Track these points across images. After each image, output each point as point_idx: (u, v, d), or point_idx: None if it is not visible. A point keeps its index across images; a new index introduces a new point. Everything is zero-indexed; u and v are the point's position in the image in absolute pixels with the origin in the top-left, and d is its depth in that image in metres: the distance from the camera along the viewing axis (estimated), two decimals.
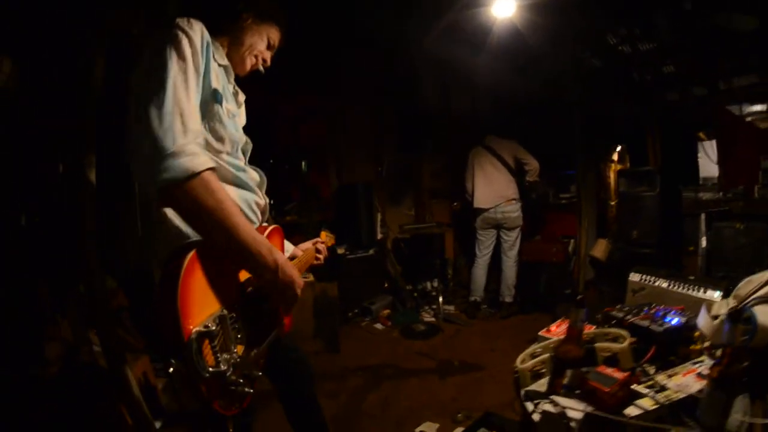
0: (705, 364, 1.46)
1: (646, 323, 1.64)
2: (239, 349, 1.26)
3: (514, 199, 5.08)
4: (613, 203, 5.35)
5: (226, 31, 1.52)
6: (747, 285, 1.55)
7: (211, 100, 1.36)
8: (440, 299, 5.19)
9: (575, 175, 5.51)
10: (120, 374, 2.16)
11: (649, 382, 1.36)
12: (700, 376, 1.39)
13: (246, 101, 1.67)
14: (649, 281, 2.43)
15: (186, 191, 1.13)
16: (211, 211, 1.15)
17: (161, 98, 1.15)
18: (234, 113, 1.50)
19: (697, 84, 4.45)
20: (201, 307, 1.14)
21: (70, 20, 2.26)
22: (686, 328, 1.65)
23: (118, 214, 2.67)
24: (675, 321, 1.67)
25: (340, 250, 5.16)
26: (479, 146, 5.27)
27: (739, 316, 1.20)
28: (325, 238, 2.16)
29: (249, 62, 1.59)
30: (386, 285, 5.67)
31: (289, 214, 5.26)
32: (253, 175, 1.55)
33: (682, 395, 1.29)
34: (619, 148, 5.46)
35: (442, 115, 6.47)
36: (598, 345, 1.53)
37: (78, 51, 2.22)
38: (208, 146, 1.35)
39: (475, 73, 5.91)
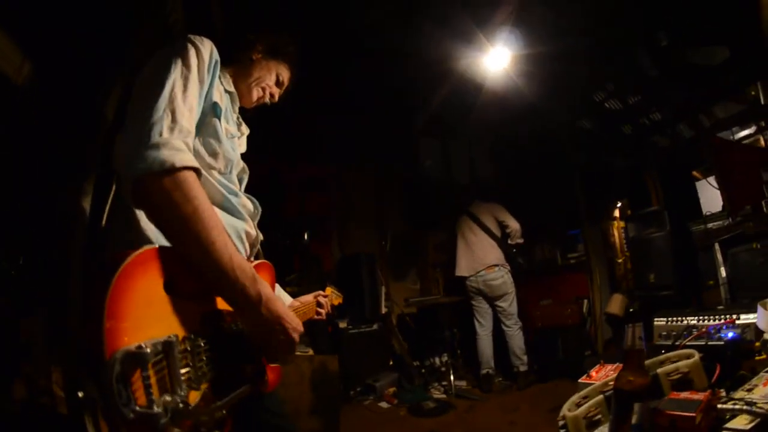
0: None
1: (702, 341, 1.38)
2: (192, 395, 0.94)
3: (496, 266, 4.86)
4: (620, 260, 5.22)
5: (235, 62, 1.51)
6: None
7: (209, 112, 1.28)
8: (451, 374, 4.84)
9: (580, 234, 5.43)
10: (79, 423, 1.89)
11: (730, 403, 1.07)
12: None
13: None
14: (677, 322, 2.17)
15: (160, 188, 0.98)
16: (187, 218, 0.99)
17: (155, 97, 1.07)
18: (233, 134, 1.42)
19: (683, 123, 4.59)
20: (142, 322, 0.86)
21: (95, 46, 2.25)
22: (743, 340, 1.49)
23: None
24: (731, 334, 1.48)
25: (342, 324, 4.86)
26: (464, 214, 5.20)
27: None
28: (330, 293, 1.99)
29: (255, 94, 1.55)
30: (391, 363, 5.29)
31: (289, 285, 5.01)
32: (245, 203, 1.41)
33: None
34: (619, 204, 5.38)
35: (444, 187, 6.45)
36: (661, 370, 1.26)
37: (96, 77, 2.19)
38: (198, 158, 1.20)
39: (474, 142, 6.00)
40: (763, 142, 4.02)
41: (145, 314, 0.88)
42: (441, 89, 4.64)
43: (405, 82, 4.50)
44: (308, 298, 1.85)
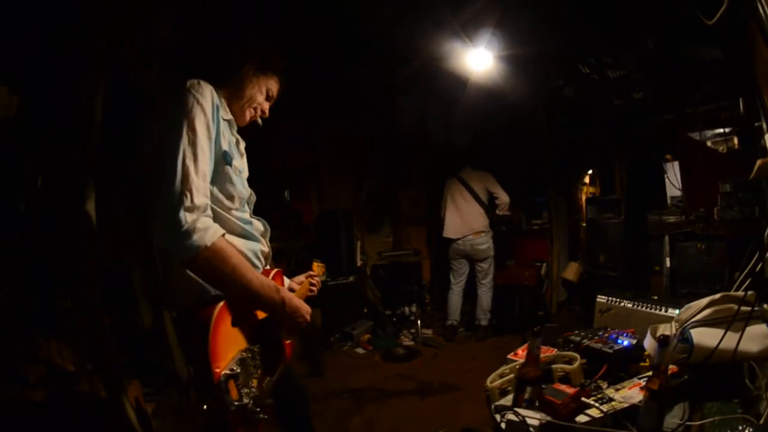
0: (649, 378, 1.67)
1: (598, 346, 1.87)
2: (254, 382, 1.49)
3: (483, 232, 5.24)
4: (584, 224, 5.62)
5: (227, 84, 1.61)
6: (687, 311, 1.82)
7: (221, 161, 1.49)
8: (418, 323, 5.39)
9: (546, 202, 5.85)
10: (118, 403, 2.25)
11: (599, 395, 1.57)
12: (643, 388, 1.57)
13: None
14: (615, 303, 2.65)
15: (203, 262, 1.33)
16: (228, 274, 1.36)
17: (171, 177, 1.31)
18: (240, 169, 1.63)
19: (665, 111, 4.76)
20: (226, 350, 1.37)
21: (73, 56, 2.35)
22: (635, 348, 1.88)
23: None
24: (625, 343, 1.89)
25: (322, 277, 5.24)
26: (454, 177, 5.48)
27: (667, 341, 1.42)
28: (317, 269, 2.28)
29: (248, 114, 1.70)
30: (365, 310, 5.80)
31: (271, 241, 5.34)
32: (258, 226, 1.70)
33: (625, 405, 1.50)
34: (590, 172, 5.80)
35: (420, 144, 6.73)
36: (554, 366, 1.79)
37: (79, 87, 2.32)
38: (220, 204, 1.51)
39: (452, 101, 6.17)
40: (735, 142, 4.38)
41: (227, 345, 1.39)
42: (422, 52, 4.70)
43: (385, 40, 4.53)
44: (301, 278, 2.13)
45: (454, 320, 5.41)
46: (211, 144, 1.43)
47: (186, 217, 1.29)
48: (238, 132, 1.72)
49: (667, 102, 4.66)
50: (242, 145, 1.74)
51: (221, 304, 1.37)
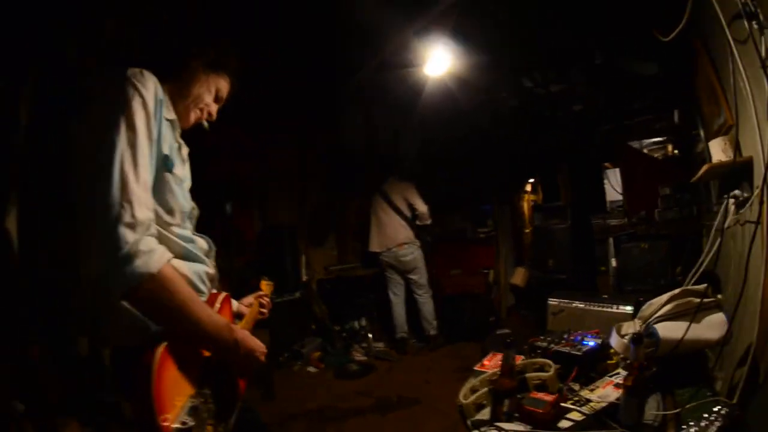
0: (620, 375, 1.69)
1: (567, 349, 1.88)
2: (209, 429, 1.27)
3: (406, 243, 5.21)
4: (528, 231, 5.89)
5: (172, 80, 1.39)
6: (649, 307, 1.89)
7: (161, 168, 1.26)
8: (370, 337, 5.27)
9: (491, 210, 5.96)
10: None
11: (576, 398, 1.58)
12: (617, 386, 1.61)
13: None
14: (567, 304, 2.68)
15: (146, 294, 1.10)
16: (174, 310, 1.15)
17: (106, 186, 1.08)
18: (182, 178, 1.40)
19: (606, 122, 5.09)
20: (173, 399, 1.14)
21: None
22: (602, 347, 1.91)
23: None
24: (591, 343, 1.92)
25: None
26: (377, 192, 5.43)
27: (641, 338, 1.47)
28: (265, 288, 2.09)
29: (193, 115, 1.49)
30: (313, 327, 5.62)
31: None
32: (201, 245, 1.46)
33: (604, 404, 1.51)
34: (531, 180, 5.91)
35: (368, 154, 6.59)
36: (528, 375, 1.77)
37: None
38: (158, 219, 1.25)
39: (401, 112, 6.06)
40: (670, 149, 4.75)
41: (174, 393, 1.15)
42: (370, 60, 4.61)
43: (336, 48, 4.42)
44: (250, 300, 1.92)
45: (403, 332, 5.34)
46: (153, 146, 1.20)
47: (126, 236, 1.06)
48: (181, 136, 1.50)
49: (609, 113, 4.96)
50: (185, 150, 1.50)
51: (163, 346, 1.14)
